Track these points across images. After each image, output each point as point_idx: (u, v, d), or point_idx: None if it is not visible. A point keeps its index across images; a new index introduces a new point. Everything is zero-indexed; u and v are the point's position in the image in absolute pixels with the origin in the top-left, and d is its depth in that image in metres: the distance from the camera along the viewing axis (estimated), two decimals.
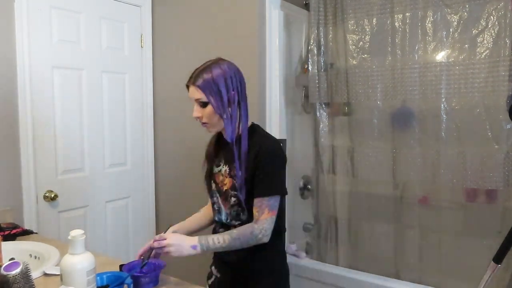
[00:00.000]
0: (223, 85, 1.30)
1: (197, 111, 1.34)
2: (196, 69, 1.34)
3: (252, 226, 1.29)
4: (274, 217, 1.31)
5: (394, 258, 2.40)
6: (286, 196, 1.43)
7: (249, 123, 1.40)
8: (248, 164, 1.32)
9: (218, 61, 1.35)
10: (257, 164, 1.31)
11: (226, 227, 1.41)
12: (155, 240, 1.27)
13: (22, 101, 2.00)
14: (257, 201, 1.30)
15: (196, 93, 1.31)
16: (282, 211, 1.43)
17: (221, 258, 1.47)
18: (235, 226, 1.38)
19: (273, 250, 1.43)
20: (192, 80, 1.32)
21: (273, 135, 1.46)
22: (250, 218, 1.34)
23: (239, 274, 1.42)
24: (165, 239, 1.26)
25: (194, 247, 1.25)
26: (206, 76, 1.30)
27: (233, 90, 1.32)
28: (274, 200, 1.31)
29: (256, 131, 1.40)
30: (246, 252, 1.35)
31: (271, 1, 2.23)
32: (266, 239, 1.30)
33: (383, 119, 2.35)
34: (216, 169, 1.45)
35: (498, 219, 2.09)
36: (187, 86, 1.35)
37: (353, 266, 2.36)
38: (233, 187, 1.36)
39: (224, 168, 1.40)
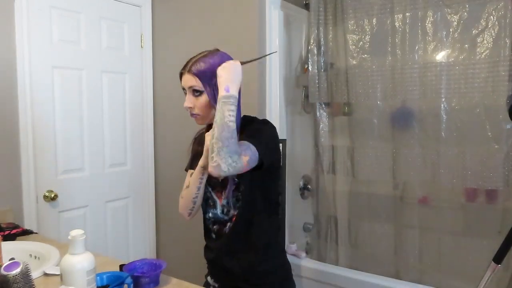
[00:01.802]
0: None
1: (189, 100, 1.27)
2: (192, 58, 1.29)
3: (240, 152, 1.15)
4: (244, 167, 1.16)
5: (394, 258, 2.40)
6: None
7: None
8: None
9: (216, 51, 1.30)
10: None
11: (220, 223, 1.36)
12: None
13: (22, 101, 2.00)
14: (242, 144, 1.18)
15: (191, 81, 1.25)
16: (279, 203, 1.40)
17: (219, 266, 1.41)
18: (230, 220, 1.33)
19: (276, 249, 1.42)
20: (188, 67, 1.26)
21: None
22: (251, 203, 1.30)
23: (242, 280, 1.37)
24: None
25: (227, 88, 1.16)
26: (203, 64, 1.24)
27: None
28: (255, 154, 1.18)
29: (246, 119, 1.34)
30: (252, 255, 1.33)
31: (271, 1, 2.23)
32: (225, 170, 1.11)
33: (383, 119, 2.36)
34: None
35: (498, 219, 2.09)
36: (181, 74, 1.29)
37: (353, 266, 2.36)
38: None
39: None
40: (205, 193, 1.40)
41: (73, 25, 2.22)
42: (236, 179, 1.31)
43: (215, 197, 1.38)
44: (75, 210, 2.27)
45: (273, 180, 1.38)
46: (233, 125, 1.14)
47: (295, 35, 2.60)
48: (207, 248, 1.46)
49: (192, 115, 1.30)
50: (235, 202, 1.33)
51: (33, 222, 2.04)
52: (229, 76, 1.18)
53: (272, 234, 1.41)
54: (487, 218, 2.14)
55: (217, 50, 1.32)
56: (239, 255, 1.35)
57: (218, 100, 1.18)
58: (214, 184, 1.37)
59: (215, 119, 1.16)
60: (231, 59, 1.29)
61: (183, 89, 1.30)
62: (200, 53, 1.29)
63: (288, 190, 2.36)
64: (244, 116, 1.35)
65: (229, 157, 1.11)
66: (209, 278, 1.48)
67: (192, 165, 1.42)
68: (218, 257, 1.40)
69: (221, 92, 1.17)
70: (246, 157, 1.15)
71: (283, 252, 1.49)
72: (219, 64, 1.23)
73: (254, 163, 1.19)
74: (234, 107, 1.16)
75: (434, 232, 2.28)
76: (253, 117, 1.39)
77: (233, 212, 1.33)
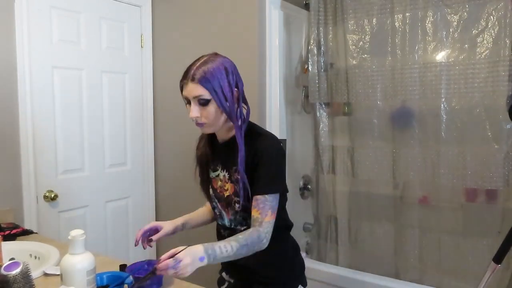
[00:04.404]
0: (226, 81, 1.19)
1: (195, 110, 1.19)
2: (192, 65, 1.20)
3: (258, 231, 1.18)
4: (274, 219, 1.22)
5: (394, 258, 2.40)
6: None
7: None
8: (247, 166, 1.23)
9: (215, 56, 1.23)
10: (257, 162, 1.22)
11: (230, 230, 1.34)
12: (168, 267, 1.08)
13: (22, 101, 2.00)
14: (258, 201, 1.20)
15: (197, 90, 1.16)
16: (284, 207, 1.41)
17: (234, 263, 1.33)
18: (240, 230, 1.30)
19: (288, 245, 1.42)
20: (190, 76, 1.17)
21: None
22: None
23: (257, 276, 1.35)
24: (180, 260, 1.08)
25: (201, 258, 1.10)
26: (207, 70, 1.16)
27: (235, 87, 1.22)
28: (275, 199, 1.22)
29: (252, 130, 1.29)
30: (263, 253, 1.27)
31: (271, 1, 2.23)
32: (266, 244, 1.20)
33: (383, 119, 2.35)
34: (212, 174, 1.36)
35: (498, 219, 2.09)
36: (183, 84, 1.20)
37: (353, 266, 2.36)
38: (235, 193, 1.27)
39: (223, 173, 1.31)
40: (211, 202, 1.40)
41: (73, 25, 2.22)
42: (238, 205, 1.28)
43: (222, 210, 1.36)
44: (75, 210, 2.27)
45: (283, 202, 1.35)
46: (235, 246, 1.15)
47: (295, 35, 2.60)
48: None
49: (198, 124, 1.24)
50: (241, 220, 1.31)
51: (33, 222, 2.04)
52: (193, 266, 1.11)
53: (284, 232, 1.42)
54: (487, 218, 2.14)
55: (216, 54, 1.26)
56: (253, 255, 1.29)
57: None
58: (219, 198, 1.35)
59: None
60: (231, 62, 1.25)
61: (186, 99, 1.22)
62: (198, 59, 1.22)
63: (288, 190, 2.36)
64: (249, 130, 1.28)
65: (258, 247, 1.19)
66: (223, 274, 1.47)
67: (202, 173, 1.41)
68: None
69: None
70: (274, 214, 1.21)
71: (296, 249, 1.47)
72: (222, 69, 1.19)
73: (278, 201, 1.24)
74: (219, 250, 1.13)
75: (434, 232, 2.27)
76: (251, 124, 1.32)
77: (240, 227, 1.31)
